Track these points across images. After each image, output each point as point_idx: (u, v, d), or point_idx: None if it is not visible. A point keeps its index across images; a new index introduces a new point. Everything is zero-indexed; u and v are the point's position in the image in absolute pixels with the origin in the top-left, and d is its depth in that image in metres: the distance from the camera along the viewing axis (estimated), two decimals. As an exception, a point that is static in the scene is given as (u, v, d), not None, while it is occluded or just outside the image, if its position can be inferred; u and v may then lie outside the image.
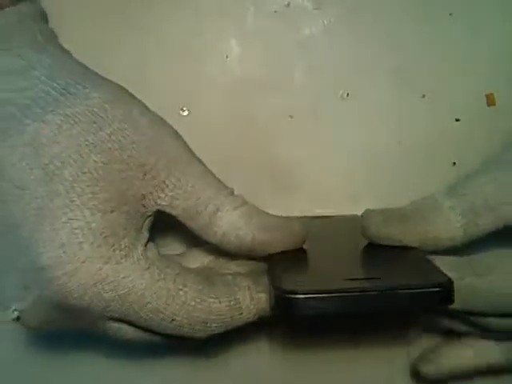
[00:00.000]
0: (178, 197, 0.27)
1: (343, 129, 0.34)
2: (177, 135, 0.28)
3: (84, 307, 0.25)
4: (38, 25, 0.27)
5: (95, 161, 0.25)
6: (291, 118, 0.34)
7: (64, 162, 0.25)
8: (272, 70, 0.34)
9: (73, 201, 0.25)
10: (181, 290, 0.26)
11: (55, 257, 0.24)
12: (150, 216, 0.27)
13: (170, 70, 0.34)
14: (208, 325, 0.26)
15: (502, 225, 0.28)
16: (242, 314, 0.27)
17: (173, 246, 0.33)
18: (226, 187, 0.28)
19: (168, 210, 0.27)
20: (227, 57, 0.34)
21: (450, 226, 0.27)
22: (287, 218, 0.29)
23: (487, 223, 0.28)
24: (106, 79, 0.28)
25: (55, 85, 0.25)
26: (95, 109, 0.26)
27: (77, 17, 0.31)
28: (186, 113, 0.34)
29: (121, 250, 0.25)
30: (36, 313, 0.26)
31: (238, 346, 0.36)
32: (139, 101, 0.28)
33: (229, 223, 0.27)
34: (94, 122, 0.25)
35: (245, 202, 0.28)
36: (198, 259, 0.30)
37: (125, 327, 0.27)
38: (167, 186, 0.26)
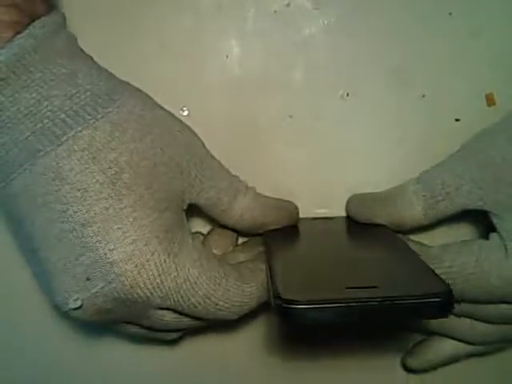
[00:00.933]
0: (204, 189, 0.30)
1: (343, 129, 0.34)
2: (196, 135, 0.31)
3: (146, 296, 0.27)
4: (67, 33, 0.28)
5: (146, 165, 0.27)
6: (291, 118, 0.34)
7: (121, 167, 0.27)
8: (272, 70, 0.34)
9: (135, 201, 0.27)
10: (223, 277, 0.29)
11: (127, 252, 0.26)
12: (184, 210, 0.30)
13: (170, 70, 0.34)
14: (242, 307, 0.29)
15: (460, 209, 0.31)
16: (265, 294, 0.30)
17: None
18: (234, 175, 0.32)
19: (195, 201, 0.30)
20: (227, 57, 0.34)
21: (412, 208, 0.31)
22: (281, 199, 0.33)
23: (445, 207, 0.31)
24: (130, 84, 0.29)
25: (98, 92, 0.27)
26: (135, 117, 0.28)
27: (77, 17, 0.31)
28: (186, 113, 0.34)
29: (178, 244, 0.28)
30: (96, 303, 0.27)
31: (235, 348, 0.36)
32: (160, 105, 0.30)
33: (244, 206, 0.31)
34: (138, 130, 0.28)
35: (248, 187, 0.32)
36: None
37: (167, 314, 0.29)
38: (196, 182, 0.30)
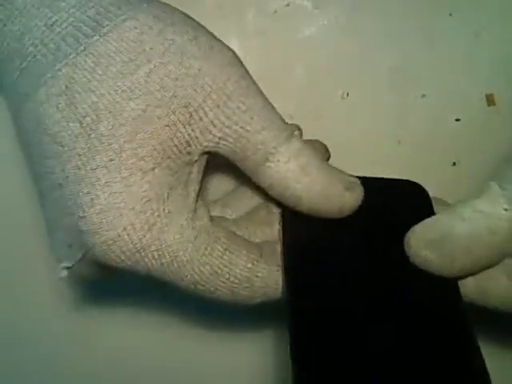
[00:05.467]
0: (226, 138, 0.24)
1: (343, 129, 0.34)
2: (234, 63, 0.24)
3: (127, 269, 0.23)
4: None
5: (132, 109, 0.22)
6: (291, 118, 0.34)
7: (99, 114, 0.22)
8: (272, 70, 0.34)
9: (111, 160, 0.22)
10: (226, 267, 0.24)
11: (95, 223, 0.22)
12: (196, 161, 0.24)
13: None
14: (251, 299, 0.25)
15: None
16: (279, 289, 0.25)
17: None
18: (285, 128, 0.24)
19: (214, 150, 0.24)
20: (227, 57, 0.34)
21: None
22: (347, 181, 0.25)
23: None
24: None
25: (85, 17, 0.22)
26: (131, 43, 0.22)
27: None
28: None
29: (164, 217, 0.23)
30: (82, 271, 0.24)
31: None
32: (192, 21, 0.25)
33: (277, 176, 0.24)
34: (131, 60, 0.22)
35: (302, 152, 0.24)
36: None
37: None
38: (215, 127, 0.23)
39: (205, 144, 0.24)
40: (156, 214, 0.23)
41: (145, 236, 0.23)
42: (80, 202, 0.22)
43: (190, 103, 0.23)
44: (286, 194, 0.24)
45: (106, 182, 0.22)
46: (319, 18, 0.34)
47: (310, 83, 0.34)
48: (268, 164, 0.24)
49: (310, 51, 0.34)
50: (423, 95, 0.34)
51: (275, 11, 0.34)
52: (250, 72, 0.34)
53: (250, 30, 0.34)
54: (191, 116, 0.23)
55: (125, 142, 0.22)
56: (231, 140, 0.24)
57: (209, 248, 0.24)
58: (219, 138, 0.24)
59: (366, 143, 0.34)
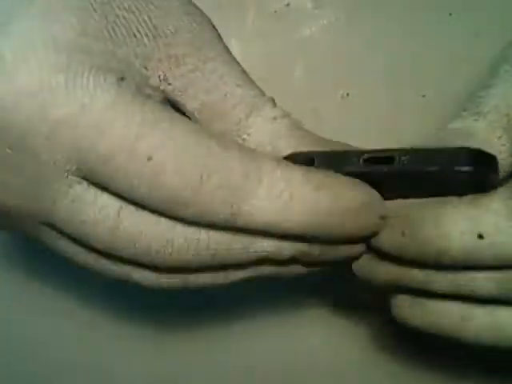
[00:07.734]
0: (197, 83, 0.19)
1: (343, 129, 0.34)
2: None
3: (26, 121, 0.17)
4: None
5: None
6: (291, 118, 0.34)
7: None
8: (272, 70, 0.34)
9: None
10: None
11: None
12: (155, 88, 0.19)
13: (170, 70, 0.34)
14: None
15: None
16: None
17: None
18: (264, 94, 0.21)
19: (180, 99, 0.19)
20: (227, 57, 0.34)
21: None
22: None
23: None
24: None
25: None
26: None
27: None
28: (186, 113, 0.34)
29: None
30: None
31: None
32: None
33: (265, 130, 0.20)
34: None
35: (288, 114, 0.21)
36: None
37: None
38: (185, 64, 0.19)
39: (169, 77, 0.19)
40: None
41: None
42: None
43: (156, 26, 0.19)
44: (278, 146, 0.20)
45: None
46: (319, 18, 0.34)
47: (310, 83, 0.34)
48: (252, 118, 0.20)
49: (310, 51, 0.34)
50: (423, 95, 0.34)
51: (275, 11, 0.34)
52: (250, 72, 0.34)
53: (250, 30, 0.34)
54: (155, 37, 0.19)
55: None
56: (203, 88, 0.19)
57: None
58: (189, 80, 0.19)
59: (366, 143, 0.34)
